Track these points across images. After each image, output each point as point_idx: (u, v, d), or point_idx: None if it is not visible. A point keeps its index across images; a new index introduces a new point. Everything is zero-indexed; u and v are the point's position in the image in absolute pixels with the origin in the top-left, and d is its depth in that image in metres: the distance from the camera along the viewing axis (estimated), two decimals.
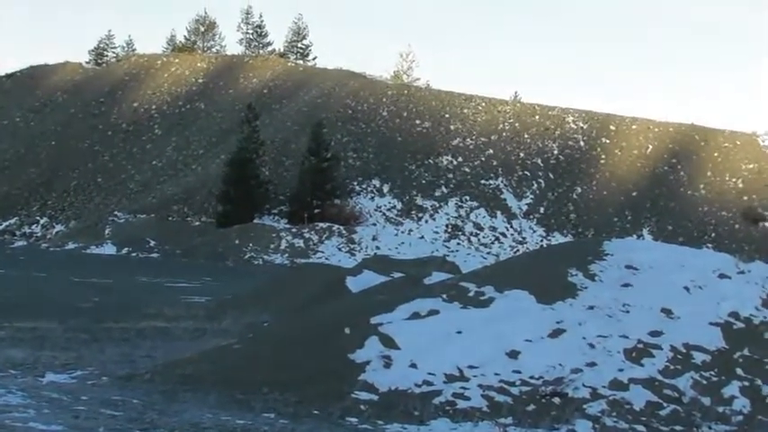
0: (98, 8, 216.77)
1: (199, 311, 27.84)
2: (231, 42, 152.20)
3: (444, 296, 16.97)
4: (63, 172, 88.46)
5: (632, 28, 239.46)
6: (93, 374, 15.00)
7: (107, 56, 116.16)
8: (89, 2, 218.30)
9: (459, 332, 15.36)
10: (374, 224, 76.23)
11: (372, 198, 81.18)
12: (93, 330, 22.01)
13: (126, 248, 67.07)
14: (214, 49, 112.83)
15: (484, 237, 78.68)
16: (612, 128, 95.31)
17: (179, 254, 66.30)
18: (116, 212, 77.39)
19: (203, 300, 33.15)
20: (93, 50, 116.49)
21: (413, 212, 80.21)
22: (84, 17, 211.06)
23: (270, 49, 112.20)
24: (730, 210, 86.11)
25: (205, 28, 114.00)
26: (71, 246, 69.24)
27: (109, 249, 66.89)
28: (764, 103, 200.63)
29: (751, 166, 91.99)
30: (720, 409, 13.87)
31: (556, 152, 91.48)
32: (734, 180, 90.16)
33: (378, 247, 68.46)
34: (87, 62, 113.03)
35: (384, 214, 79.04)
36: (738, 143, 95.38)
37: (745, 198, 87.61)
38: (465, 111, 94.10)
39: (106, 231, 71.69)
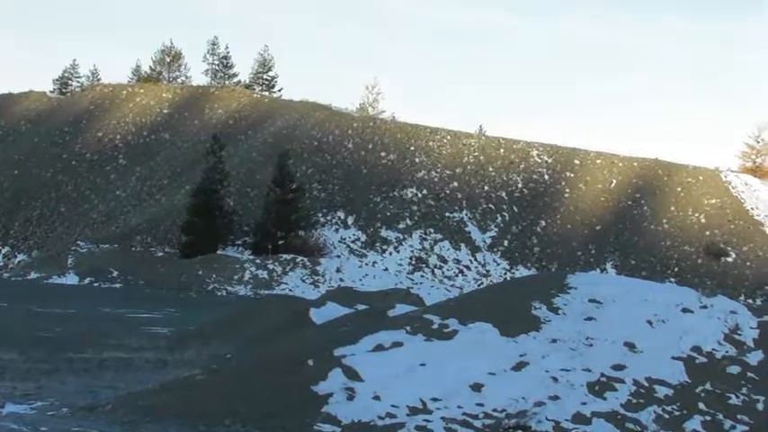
0: (63, 37, 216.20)
1: (161, 342, 27.69)
2: (197, 73, 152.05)
3: (408, 328, 16.97)
4: (26, 201, 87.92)
5: (597, 64, 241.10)
6: (54, 405, 14.88)
7: (72, 85, 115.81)
8: (54, 31, 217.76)
9: (423, 364, 15.36)
10: (338, 256, 76.11)
11: (337, 230, 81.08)
12: (54, 361, 21.83)
13: (89, 278, 66.55)
14: (180, 80, 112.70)
15: (448, 269, 78.68)
16: (577, 162, 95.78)
17: (142, 284, 65.87)
18: (79, 242, 76.88)
19: (166, 331, 32.96)
20: (57, 80, 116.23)
21: (377, 244, 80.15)
22: (50, 46, 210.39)
23: (236, 80, 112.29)
24: (693, 244, 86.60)
25: (171, 58, 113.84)
26: (33, 275, 68.66)
27: (71, 279, 66.33)
28: (727, 140, 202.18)
29: (713, 201, 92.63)
30: None
31: (520, 185, 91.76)
32: (696, 215, 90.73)
33: (342, 279, 68.32)
34: (52, 91, 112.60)
35: (348, 246, 78.94)
36: (701, 178, 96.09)
37: (708, 233, 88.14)
38: (430, 143, 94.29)
39: (69, 261, 71.13)
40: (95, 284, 65.40)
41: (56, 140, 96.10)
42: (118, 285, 65.59)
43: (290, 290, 64.30)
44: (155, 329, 33.86)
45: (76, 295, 54.39)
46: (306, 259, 71.42)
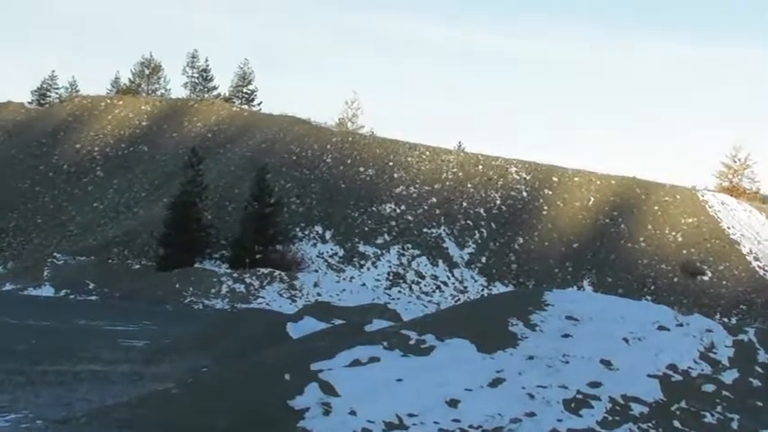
0: (42, 48, 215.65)
1: (137, 355, 27.55)
2: (176, 86, 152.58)
3: (385, 344, 16.97)
4: (2, 212, 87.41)
5: (575, 83, 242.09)
6: (28, 418, 14.80)
7: (50, 96, 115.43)
8: (33, 42, 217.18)
9: (400, 380, 15.35)
10: (316, 270, 75.99)
11: (315, 244, 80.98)
12: (28, 373, 21.69)
13: (65, 290, 66.26)
14: (159, 93, 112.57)
15: (425, 285, 78.67)
16: (555, 179, 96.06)
17: (118, 297, 65.61)
18: (55, 254, 76.47)
19: (142, 344, 32.80)
20: (35, 91, 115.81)
21: (355, 259, 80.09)
22: (28, 57, 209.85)
23: (215, 93, 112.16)
24: (669, 263, 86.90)
25: (150, 71, 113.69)
26: (8, 287, 68.28)
27: (47, 291, 66.04)
28: (704, 159, 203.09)
29: (690, 220, 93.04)
30: None
31: (498, 202, 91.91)
32: (673, 233, 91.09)
33: (319, 294, 68.22)
34: (30, 102, 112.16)
35: (326, 261, 78.85)
36: (678, 197, 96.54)
37: (684, 251, 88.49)
38: (409, 159, 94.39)
39: (45, 273, 70.75)
40: (71, 296, 65.14)
41: (33, 152, 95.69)
42: (94, 298, 65.35)
43: (267, 304, 64.16)
44: (131, 342, 33.70)
45: (52, 307, 54.13)
46: (283, 273, 71.28)
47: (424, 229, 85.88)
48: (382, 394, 14.72)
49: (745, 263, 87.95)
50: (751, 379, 17.41)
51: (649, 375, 16.65)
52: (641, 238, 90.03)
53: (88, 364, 24.33)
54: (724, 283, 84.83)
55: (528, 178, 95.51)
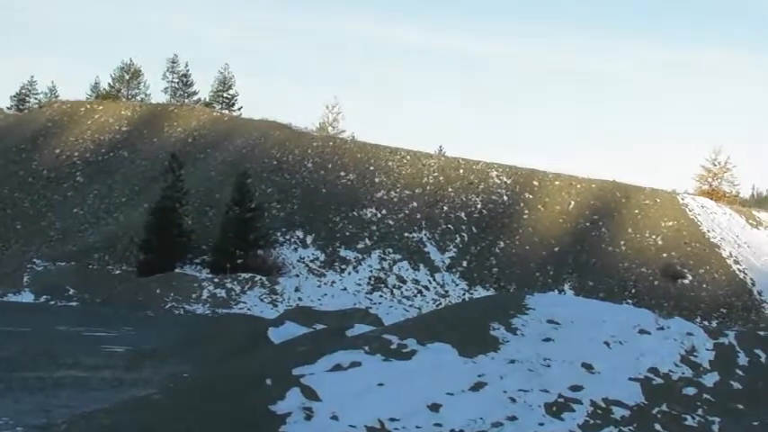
0: (21, 53, 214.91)
1: (118, 361, 27.49)
2: (156, 91, 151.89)
3: (367, 348, 16.95)
4: None
5: (555, 87, 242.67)
6: (8, 425, 14.74)
7: (29, 102, 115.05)
8: (11, 47, 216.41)
9: (381, 384, 15.34)
10: (297, 275, 75.85)
11: (296, 249, 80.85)
12: (7, 380, 21.62)
13: (45, 296, 65.94)
14: (139, 97, 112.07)
15: (407, 289, 78.62)
16: (536, 183, 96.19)
17: (99, 302, 65.35)
18: (35, 260, 76.12)
19: (122, 349, 32.72)
20: (14, 96, 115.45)
21: (336, 264, 80.00)
22: (6, 62, 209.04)
23: (195, 98, 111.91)
24: (650, 266, 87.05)
25: (130, 76, 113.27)
26: None
27: (27, 297, 65.69)
28: (684, 162, 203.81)
29: (670, 223, 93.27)
30: None
31: (479, 206, 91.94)
32: (654, 237, 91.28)
33: (300, 299, 68.14)
34: (9, 108, 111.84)
35: (307, 265, 78.73)
36: (658, 201, 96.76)
37: (665, 255, 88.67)
38: (390, 163, 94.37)
39: (24, 279, 70.40)
40: (51, 302, 64.84)
41: (12, 157, 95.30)
42: (74, 303, 65.08)
43: (249, 309, 64.05)
44: (111, 348, 33.60)
45: (32, 313, 53.94)
46: (264, 278, 71.17)
47: (405, 234, 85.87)
48: (364, 399, 14.70)
49: (725, 266, 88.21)
50: (732, 382, 17.48)
51: (630, 379, 16.70)
52: (622, 242, 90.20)
53: (68, 371, 24.26)
54: (704, 286, 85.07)
55: (509, 182, 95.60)
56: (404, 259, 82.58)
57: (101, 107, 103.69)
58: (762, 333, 20.22)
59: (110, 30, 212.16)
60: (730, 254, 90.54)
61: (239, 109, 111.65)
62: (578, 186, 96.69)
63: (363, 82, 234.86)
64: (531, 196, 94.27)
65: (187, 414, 14.28)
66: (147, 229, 73.67)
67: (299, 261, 78.94)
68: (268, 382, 15.29)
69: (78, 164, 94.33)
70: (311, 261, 79.48)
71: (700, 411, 15.97)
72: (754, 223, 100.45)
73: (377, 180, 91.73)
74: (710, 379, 17.33)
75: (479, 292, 77.63)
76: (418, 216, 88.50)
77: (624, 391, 16.12)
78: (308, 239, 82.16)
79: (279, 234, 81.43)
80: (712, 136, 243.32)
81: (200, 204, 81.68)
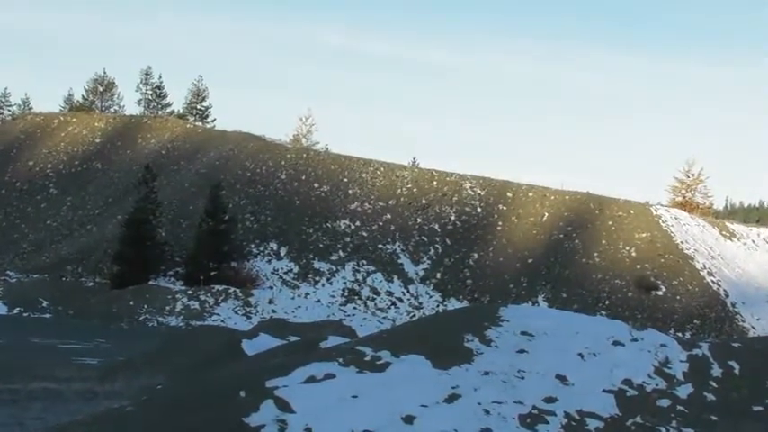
0: None
1: (91, 373, 27.37)
2: (130, 103, 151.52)
3: (340, 360, 16.92)
4: None
5: (528, 99, 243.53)
6: None
7: (2, 114, 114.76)
8: None
9: (355, 396, 15.31)
10: (271, 287, 75.76)
11: (269, 261, 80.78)
12: None
13: (18, 308, 65.62)
14: (112, 109, 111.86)
15: (380, 301, 78.64)
16: (509, 195, 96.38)
17: (72, 314, 65.12)
18: (8, 272, 75.84)
19: (96, 361, 32.60)
20: None
21: (310, 276, 79.95)
22: None
23: (169, 110, 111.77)
24: (624, 278, 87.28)
25: (104, 88, 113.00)
26: None
27: (0, 309, 65.46)
28: (657, 174, 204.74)
29: (644, 235, 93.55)
30: None
31: (453, 218, 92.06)
32: (627, 249, 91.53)
33: (274, 311, 68.05)
34: None
35: (281, 277, 78.65)
36: (632, 212, 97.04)
37: (638, 266, 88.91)
38: (364, 175, 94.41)
39: None
40: (25, 314, 64.53)
41: None
42: (48, 315, 64.79)
43: (222, 321, 63.95)
44: (85, 360, 33.47)
45: (5, 325, 53.68)
46: (238, 290, 71.10)
47: (379, 245, 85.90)
48: (338, 411, 14.67)
49: (699, 278, 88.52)
50: (705, 393, 17.52)
51: (604, 390, 16.72)
52: (595, 254, 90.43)
53: (42, 383, 24.13)
54: (678, 297, 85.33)
55: (482, 194, 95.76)
56: (378, 271, 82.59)
57: (74, 119, 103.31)
58: (735, 344, 20.25)
59: (83, 42, 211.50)
60: (704, 265, 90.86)
61: (213, 121, 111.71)
62: (552, 198, 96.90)
63: (337, 93, 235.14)
64: (504, 208, 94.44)
65: (161, 426, 14.22)
66: (121, 240, 73.47)
67: (272, 273, 78.86)
68: (242, 394, 15.25)
69: (52, 176, 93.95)
70: (285, 273, 79.39)
71: (674, 423, 16.00)
72: (728, 235, 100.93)
73: (350, 192, 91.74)
74: (684, 390, 17.37)
75: (453, 304, 77.69)
76: (392, 228, 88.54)
77: (598, 403, 16.14)
78: (282, 251, 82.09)
79: (253, 246, 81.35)
80: (686, 148, 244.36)
81: (174, 216, 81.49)
